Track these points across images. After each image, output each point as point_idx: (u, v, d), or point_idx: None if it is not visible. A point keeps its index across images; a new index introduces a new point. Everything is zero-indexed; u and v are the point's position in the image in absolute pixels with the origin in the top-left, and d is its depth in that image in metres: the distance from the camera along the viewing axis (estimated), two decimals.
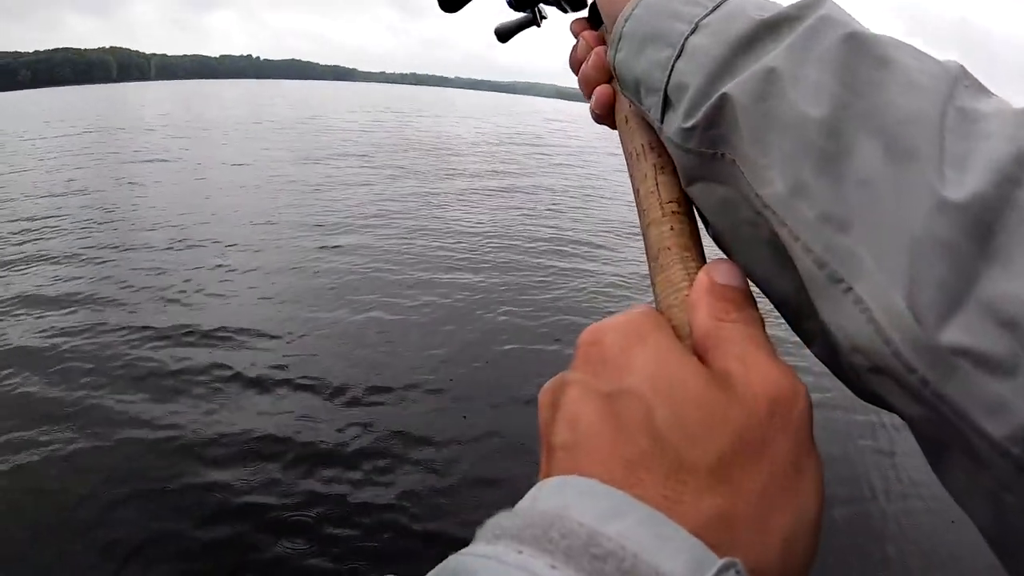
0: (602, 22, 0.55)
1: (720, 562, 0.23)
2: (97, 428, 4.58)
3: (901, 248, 0.28)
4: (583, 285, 7.94)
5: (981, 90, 0.32)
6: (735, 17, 0.37)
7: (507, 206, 12.63)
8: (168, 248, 9.10)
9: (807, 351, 0.43)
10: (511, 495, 0.31)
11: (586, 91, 0.54)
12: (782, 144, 0.32)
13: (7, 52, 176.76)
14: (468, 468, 3.97)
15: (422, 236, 9.99)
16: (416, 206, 12.24)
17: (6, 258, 8.66)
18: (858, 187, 0.30)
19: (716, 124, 0.36)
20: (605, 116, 0.53)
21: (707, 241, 0.42)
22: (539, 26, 0.69)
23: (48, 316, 6.65)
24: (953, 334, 0.27)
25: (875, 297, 0.28)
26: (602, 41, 0.54)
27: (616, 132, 0.52)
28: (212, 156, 19.79)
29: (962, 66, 0.33)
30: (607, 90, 0.52)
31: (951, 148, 0.29)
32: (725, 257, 0.40)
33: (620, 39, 0.44)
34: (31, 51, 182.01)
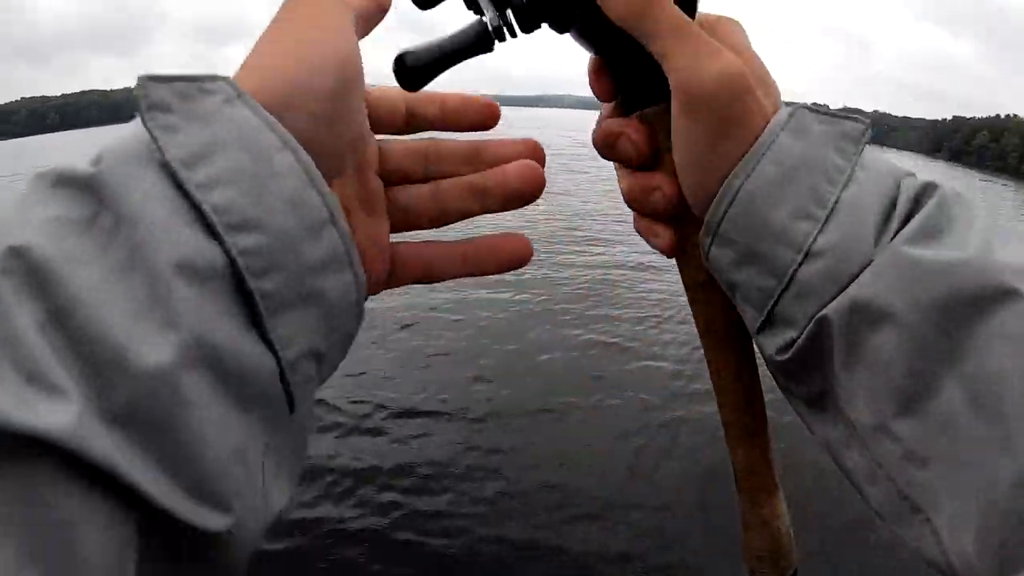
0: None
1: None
2: None
3: (977, 506, 0.30)
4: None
5: None
6: (852, 248, 0.35)
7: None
8: None
9: None
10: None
11: (640, 221, 0.44)
12: (870, 379, 0.33)
13: (35, 98, 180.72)
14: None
15: None
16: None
17: None
18: (940, 430, 0.31)
19: (812, 344, 0.36)
20: (673, 252, 0.44)
21: None
22: (491, 49, 0.40)
23: None
24: None
25: (950, 538, 0.30)
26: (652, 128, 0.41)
27: None
28: None
29: None
30: (673, 233, 0.43)
31: None
32: None
33: (713, 237, 0.38)
34: (58, 95, 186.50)
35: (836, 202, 0.34)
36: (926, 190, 0.35)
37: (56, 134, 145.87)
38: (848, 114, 0.37)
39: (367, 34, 0.37)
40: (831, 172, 0.35)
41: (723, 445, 0.48)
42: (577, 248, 9.79)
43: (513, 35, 0.40)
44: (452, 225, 0.52)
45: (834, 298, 0.34)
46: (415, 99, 0.42)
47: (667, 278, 8.83)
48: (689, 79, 0.36)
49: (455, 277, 0.44)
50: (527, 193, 0.43)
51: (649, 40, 0.37)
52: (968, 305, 0.31)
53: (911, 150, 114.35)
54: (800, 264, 0.34)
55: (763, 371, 0.52)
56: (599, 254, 10.40)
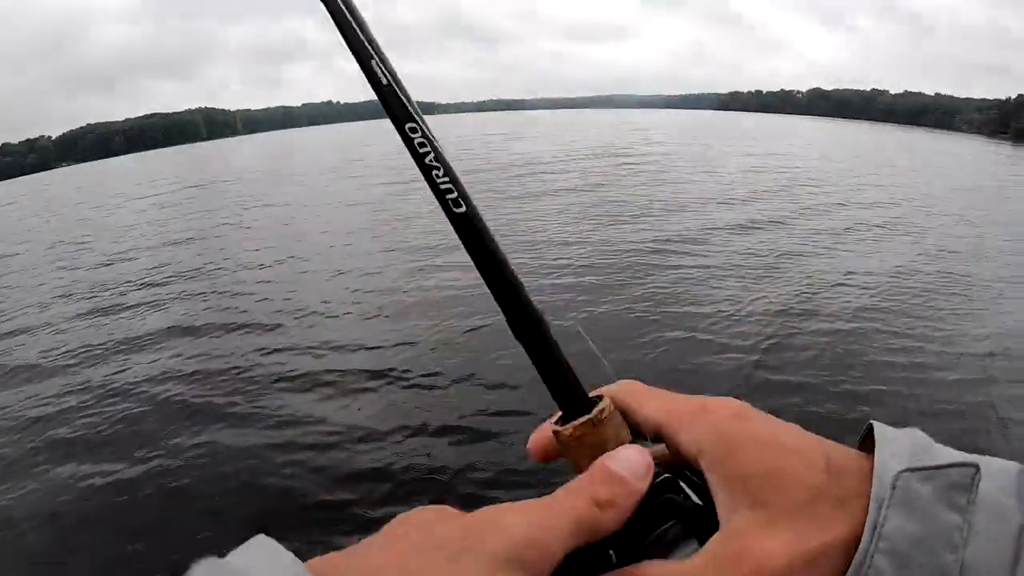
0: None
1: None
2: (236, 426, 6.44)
3: None
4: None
5: None
6: None
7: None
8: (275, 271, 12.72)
9: None
10: None
11: None
12: None
13: (100, 123, 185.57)
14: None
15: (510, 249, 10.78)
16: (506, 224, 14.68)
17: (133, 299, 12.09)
18: None
19: None
20: None
21: None
22: None
23: (180, 343, 9.07)
24: None
25: None
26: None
27: None
28: (306, 197, 24.94)
29: None
30: None
31: None
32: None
33: None
34: (122, 119, 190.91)
35: (961, 569, 0.33)
36: None
37: (122, 157, 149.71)
38: (952, 460, 0.37)
39: None
40: (950, 535, 0.34)
41: None
42: None
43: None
44: None
45: None
46: None
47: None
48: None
49: None
50: None
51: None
52: None
53: (976, 132, 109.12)
54: None
55: None
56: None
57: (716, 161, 27.47)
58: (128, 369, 8.36)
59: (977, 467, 0.36)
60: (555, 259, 11.41)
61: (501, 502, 0.43)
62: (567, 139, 47.94)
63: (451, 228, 0.49)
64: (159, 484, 5.57)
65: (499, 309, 0.50)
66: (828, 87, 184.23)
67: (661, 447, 0.48)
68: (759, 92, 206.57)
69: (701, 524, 0.44)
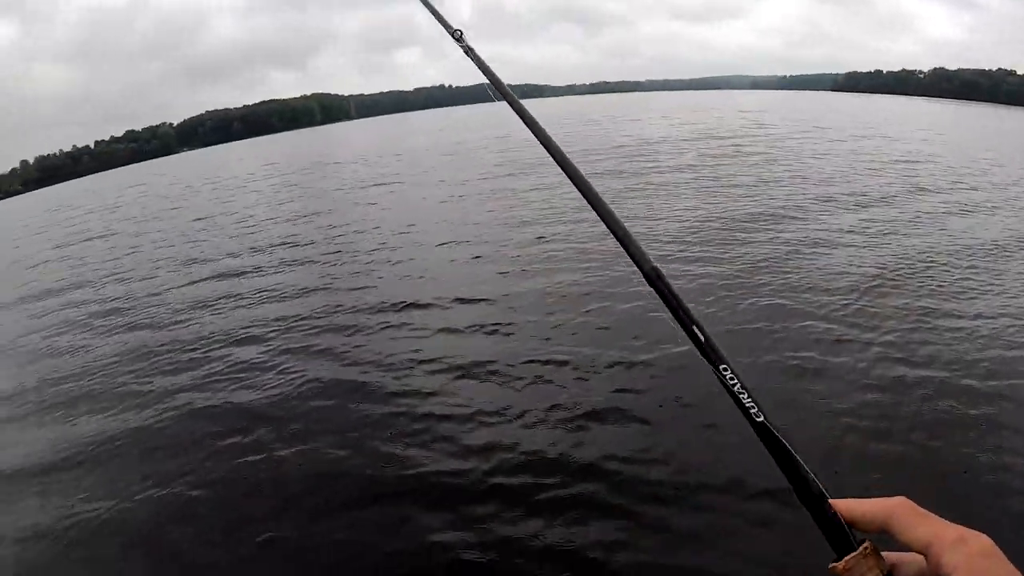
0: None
1: None
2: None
3: None
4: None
5: None
6: None
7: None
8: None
9: None
10: None
11: None
12: None
13: (220, 110, 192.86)
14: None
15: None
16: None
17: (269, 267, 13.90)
18: None
19: None
20: None
21: None
22: None
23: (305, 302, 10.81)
24: None
25: None
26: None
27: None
28: (422, 178, 26.26)
29: None
30: None
31: None
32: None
33: None
34: (240, 106, 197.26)
35: None
36: None
37: (240, 141, 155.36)
38: None
39: None
40: None
41: None
42: None
43: None
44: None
45: None
46: None
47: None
48: None
49: None
50: None
51: None
52: None
53: None
54: None
55: None
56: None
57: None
58: (269, 348, 8.91)
59: None
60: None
61: None
62: (695, 121, 46.64)
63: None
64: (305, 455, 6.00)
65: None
66: (951, 67, 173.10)
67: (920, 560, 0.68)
68: (878, 72, 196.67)
69: None
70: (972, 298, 8.66)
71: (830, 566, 0.73)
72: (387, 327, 9.07)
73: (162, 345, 9.90)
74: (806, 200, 15.00)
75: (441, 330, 8.72)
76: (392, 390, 7.06)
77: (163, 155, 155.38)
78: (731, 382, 0.91)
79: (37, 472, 6.47)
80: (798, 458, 0.81)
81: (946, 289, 9.02)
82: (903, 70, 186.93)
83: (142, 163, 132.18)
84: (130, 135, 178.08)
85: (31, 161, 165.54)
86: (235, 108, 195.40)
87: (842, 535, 0.75)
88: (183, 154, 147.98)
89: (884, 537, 0.74)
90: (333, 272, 12.74)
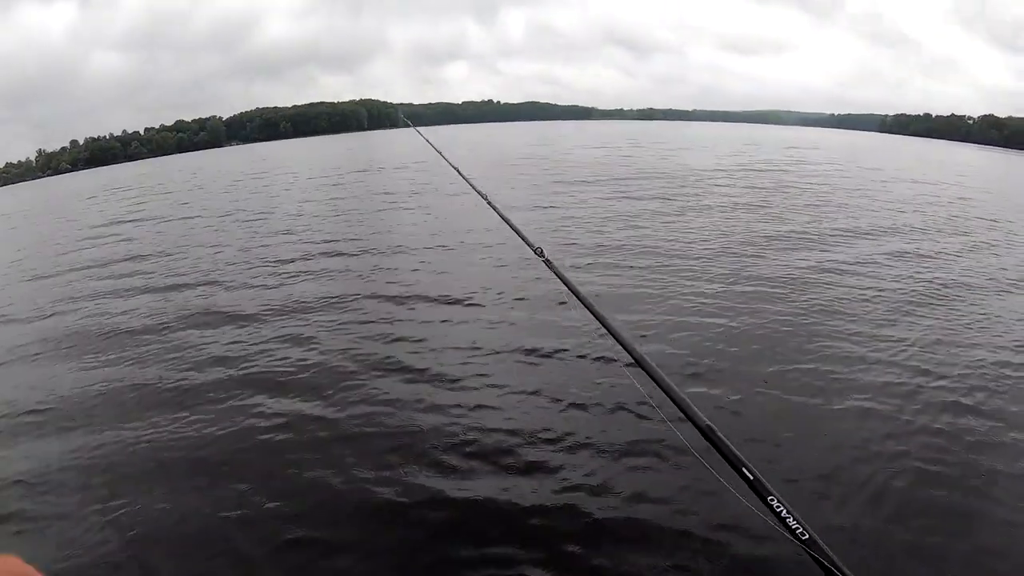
0: None
1: None
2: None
3: None
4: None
5: None
6: None
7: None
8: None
9: None
10: None
11: None
12: None
13: (269, 108, 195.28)
14: None
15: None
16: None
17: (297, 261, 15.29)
18: None
19: None
20: None
21: None
22: None
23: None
24: None
25: None
26: None
27: None
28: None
29: None
30: None
31: None
32: None
33: None
34: (290, 106, 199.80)
35: None
36: None
37: (288, 140, 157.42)
38: None
39: None
40: None
41: None
42: None
43: None
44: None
45: None
46: None
47: None
48: None
49: None
50: None
51: None
52: None
53: None
54: None
55: None
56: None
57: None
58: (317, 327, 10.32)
59: None
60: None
61: None
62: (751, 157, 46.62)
63: None
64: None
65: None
66: (1001, 114, 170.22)
67: None
68: (927, 116, 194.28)
69: None
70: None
71: None
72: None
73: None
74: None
75: None
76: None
77: (211, 147, 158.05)
78: (778, 509, 1.02)
79: None
80: (846, 572, 0.75)
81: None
82: (952, 115, 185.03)
83: (196, 152, 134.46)
84: (179, 125, 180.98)
85: (80, 141, 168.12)
86: (285, 107, 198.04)
87: None
88: (231, 147, 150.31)
89: None
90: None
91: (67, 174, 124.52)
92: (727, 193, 24.28)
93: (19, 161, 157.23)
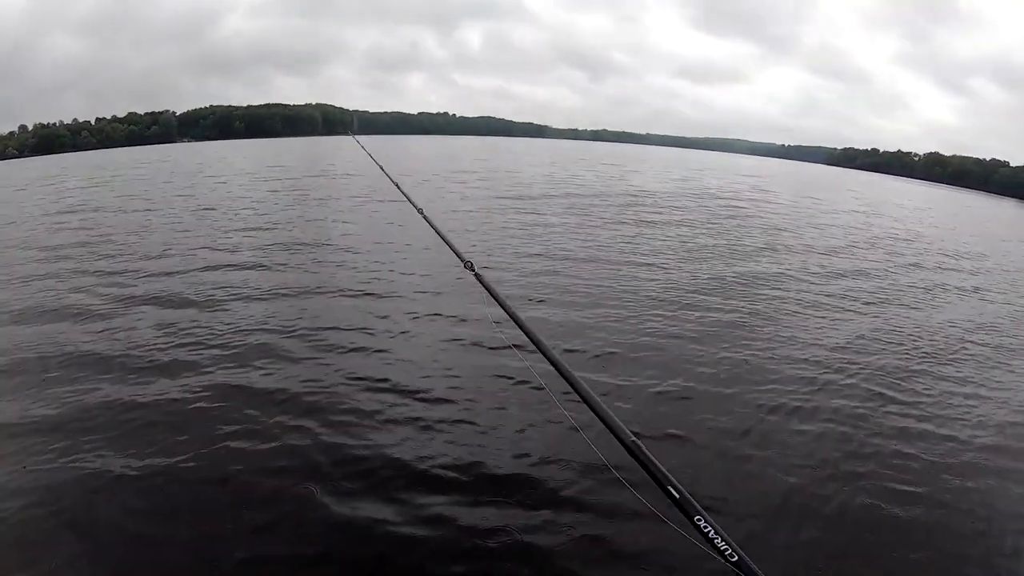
0: None
1: None
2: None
3: None
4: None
5: None
6: None
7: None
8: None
9: None
10: None
11: None
12: None
13: (223, 106, 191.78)
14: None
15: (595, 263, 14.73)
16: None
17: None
18: None
19: None
20: None
21: None
22: None
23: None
24: None
25: None
26: None
27: None
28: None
29: None
30: None
31: None
32: None
33: None
34: (244, 105, 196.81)
35: None
36: None
37: (241, 140, 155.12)
38: None
39: None
40: None
41: None
42: None
43: None
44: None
45: None
46: None
47: None
48: None
49: None
50: None
51: None
52: None
53: None
54: None
55: None
56: None
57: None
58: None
59: None
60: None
61: None
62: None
63: None
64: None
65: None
66: (946, 151, 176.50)
67: None
68: (875, 151, 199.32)
69: None
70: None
71: None
72: None
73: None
74: None
75: None
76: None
77: (162, 142, 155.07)
78: (706, 529, 1.01)
79: None
80: None
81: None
82: (899, 151, 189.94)
83: (138, 147, 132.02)
84: (132, 117, 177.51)
85: (30, 127, 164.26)
86: (240, 106, 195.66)
87: None
88: (183, 144, 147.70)
89: None
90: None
91: (13, 160, 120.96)
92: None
93: None
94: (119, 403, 7.25)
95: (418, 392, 7.87)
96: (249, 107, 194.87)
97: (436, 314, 11.08)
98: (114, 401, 7.30)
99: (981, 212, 53.29)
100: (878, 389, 8.39)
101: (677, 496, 1.21)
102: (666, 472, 1.30)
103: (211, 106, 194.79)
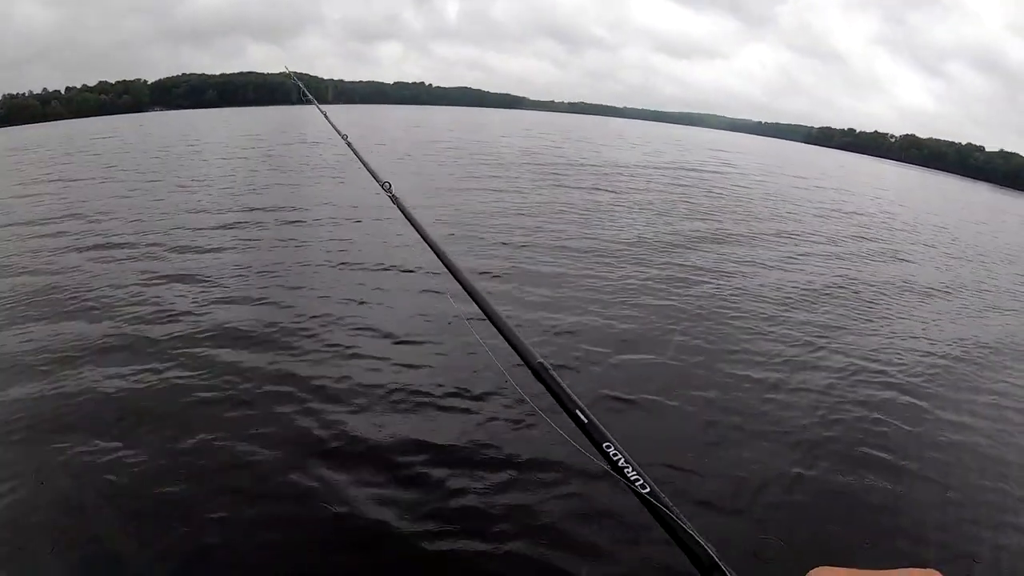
0: None
1: None
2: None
3: None
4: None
5: None
6: None
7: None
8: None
9: None
10: None
11: None
12: None
13: (195, 74, 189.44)
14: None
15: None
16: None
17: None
18: None
19: None
20: None
21: None
22: None
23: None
24: None
25: None
26: None
27: None
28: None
29: None
30: None
31: None
32: None
33: None
34: (217, 73, 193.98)
35: None
36: None
37: (215, 109, 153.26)
38: None
39: None
40: None
41: None
42: None
43: None
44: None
45: None
46: None
47: None
48: None
49: None
50: None
51: None
52: None
53: None
54: None
55: None
56: None
57: None
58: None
59: None
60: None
61: None
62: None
63: None
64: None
65: None
66: (922, 135, 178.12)
67: None
68: (851, 131, 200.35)
69: None
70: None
71: None
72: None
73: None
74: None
75: None
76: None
77: (133, 111, 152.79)
78: (615, 458, 0.99)
79: None
80: (689, 528, 0.79)
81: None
82: (876, 132, 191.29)
83: (110, 116, 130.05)
84: (103, 86, 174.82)
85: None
86: (213, 75, 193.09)
87: None
88: (153, 113, 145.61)
89: None
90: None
91: None
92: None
93: None
94: (94, 385, 7.00)
95: (328, 315, 8.51)
96: (222, 75, 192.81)
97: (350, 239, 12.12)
98: (90, 383, 7.05)
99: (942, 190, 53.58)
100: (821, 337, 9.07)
101: (585, 421, 1.12)
102: (572, 396, 1.21)
103: (183, 74, 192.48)
